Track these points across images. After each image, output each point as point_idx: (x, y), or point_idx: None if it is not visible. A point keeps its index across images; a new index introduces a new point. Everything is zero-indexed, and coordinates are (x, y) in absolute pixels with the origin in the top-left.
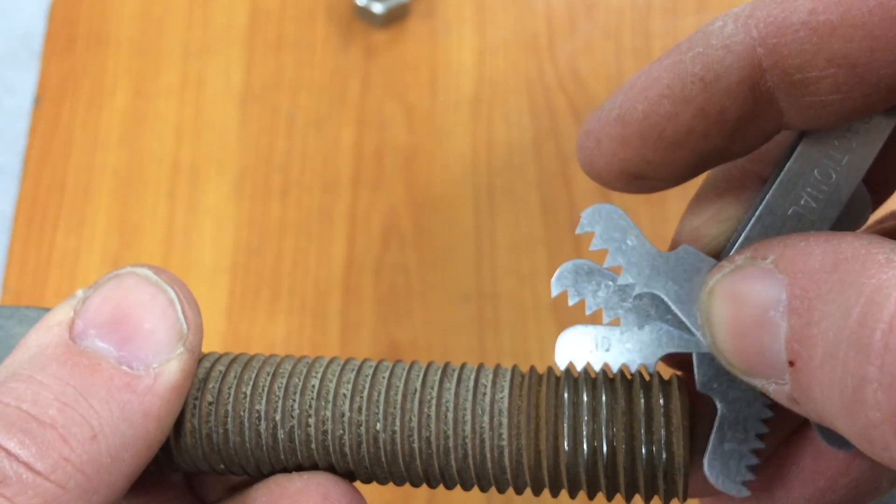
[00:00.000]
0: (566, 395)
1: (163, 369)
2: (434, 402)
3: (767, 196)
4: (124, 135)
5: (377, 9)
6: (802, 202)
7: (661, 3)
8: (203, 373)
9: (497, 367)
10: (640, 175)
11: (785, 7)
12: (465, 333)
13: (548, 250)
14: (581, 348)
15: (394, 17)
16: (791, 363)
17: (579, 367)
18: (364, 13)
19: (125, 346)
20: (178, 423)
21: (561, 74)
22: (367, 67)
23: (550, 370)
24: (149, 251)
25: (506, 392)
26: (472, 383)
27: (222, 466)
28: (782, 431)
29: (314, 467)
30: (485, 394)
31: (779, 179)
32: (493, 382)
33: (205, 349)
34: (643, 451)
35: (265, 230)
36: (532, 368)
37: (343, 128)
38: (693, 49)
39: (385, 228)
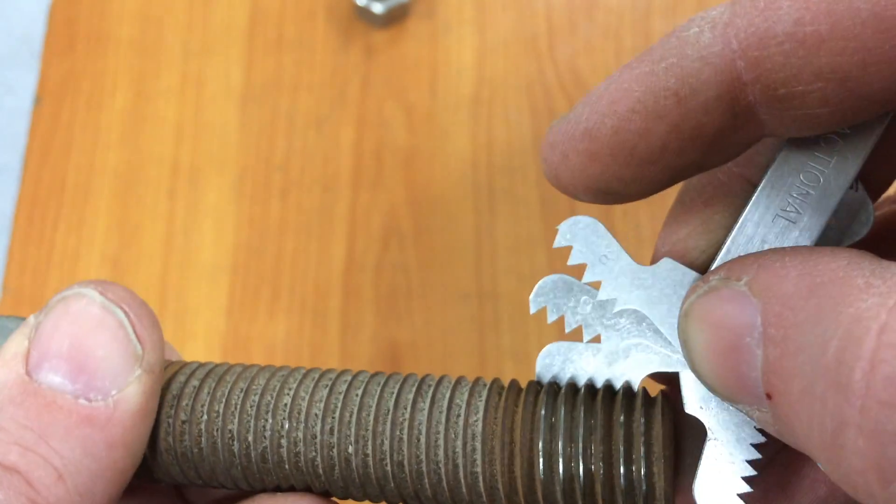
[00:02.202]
0: (542, 418)
1: (122, 396)
2: (406, 424)
3: (748, 205)
4: (124, 135)
5: (377, 9)
6: (788, 208)
7: (661, 3)
8: (177, 388)
9: (475, 384)
10: (610, 190)
11: (768, 16)
12: (465, 333)
13: (548, 250)
14: (562, 366)
15: (394, 17)
16: (769, 396)
17: (561, 384)
18: (364, 13)
19: (80, 377)
20: (153, 441)
21: (561, 74)
22: (367, 67)
23: (530, 386)
24: (149, 251)
25: (480, 414)
26: (445, 404)
27: (201, 482)
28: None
29: (290, 486)
30: (458, 415)
31: (760, 187)
32: (468, 403)
33: (204, 349)
34: (622, 481)
35: (265, 230)
36: (512, 384)
37: (343, 128)
38: (666, 59)
39: (385, 228)
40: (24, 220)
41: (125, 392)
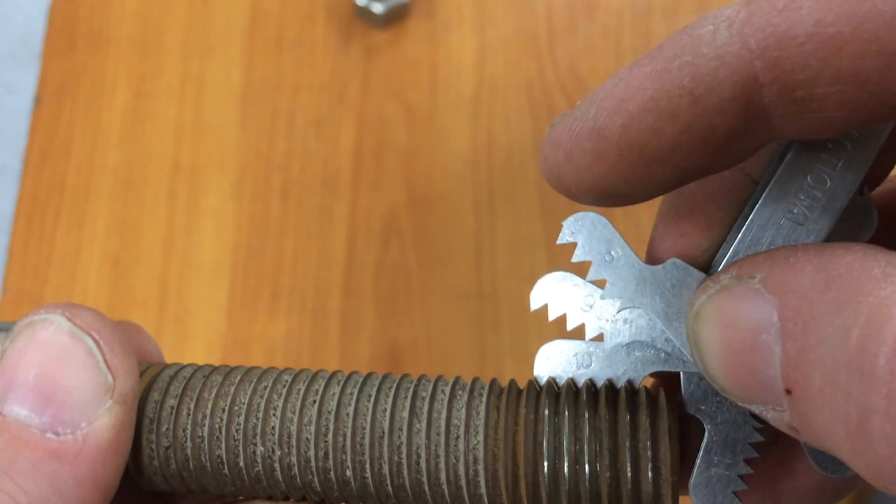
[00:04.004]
0: (545, 442)
1: (92, 429)
2: (404, 448)
3: (757, 205)
4: (124, 135)
5: (377, 9)
6: (795, 210)
7: (661, 3)
8: (153, 410)
9: (471, 396)
10: (614, 192)
11: (787, 16)
12: (465, 333)
13: (548, 250)
14: (561, 364)
15: (394, 17)
16: (788, 391)
17: (560, 384)
18: (364, 13)
19: (46, 409)
20: (138, 462)
21: (561, 74)
22: (367, 67)
23: (529, 398)
24: (149, 251)
25: (480, 437)
26: (443, 424)
27: (192, 493)
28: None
29: (286, 497)
30: (458, 437)
31: (768, 187)
32: (467, 424)
33: (204, 349)
34: (628, 501)
35: (265, 230)
36: (510, 394)
37: (343, 128)
38: (680, 57)
39: (385, 228)
40: (24, 220)
41: (95, 425)
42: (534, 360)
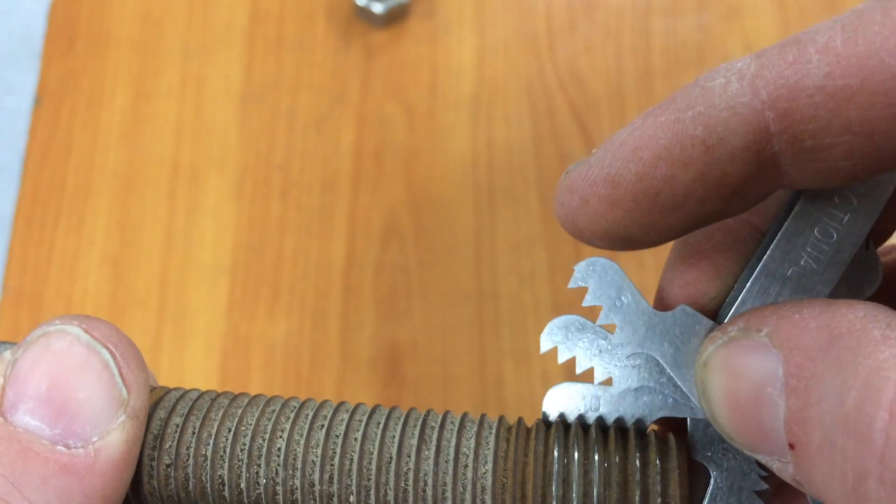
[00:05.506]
0: (554, 473)
1: (103, 443)
2: (411, 474)
3: (765, 257)
4: (124, 135)
5: (377, 9)
6: (802, 262)
7: (661, 3)
8: (158, 427)
9: (480, 426)
10: (629, 237)
11: (797, 69)
12: (465, 333)
13: (548, 250)
14: (570, 406)
15: (394, 17)
16: (791, 445)
17: (569, 422)
18: (364, 13)
19: (59, 421)
20: (137, 483)
21: (561, 74)
22: (367, 67)
23: (538, 432)
24: (149, 251)
25: (489, 466)
26: (452, 453)
27: None
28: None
29: None
30: (466, 466)
31: (776, 239)
32: (476, 453)
33: (204, 349)
34: None
35: (265, 230)
36: (518, 432)
37: (343, 128)
38: (693, 108)
39: (385, 228)
40: (24, 220)
41: (107, 439)
42: (534, 360)
